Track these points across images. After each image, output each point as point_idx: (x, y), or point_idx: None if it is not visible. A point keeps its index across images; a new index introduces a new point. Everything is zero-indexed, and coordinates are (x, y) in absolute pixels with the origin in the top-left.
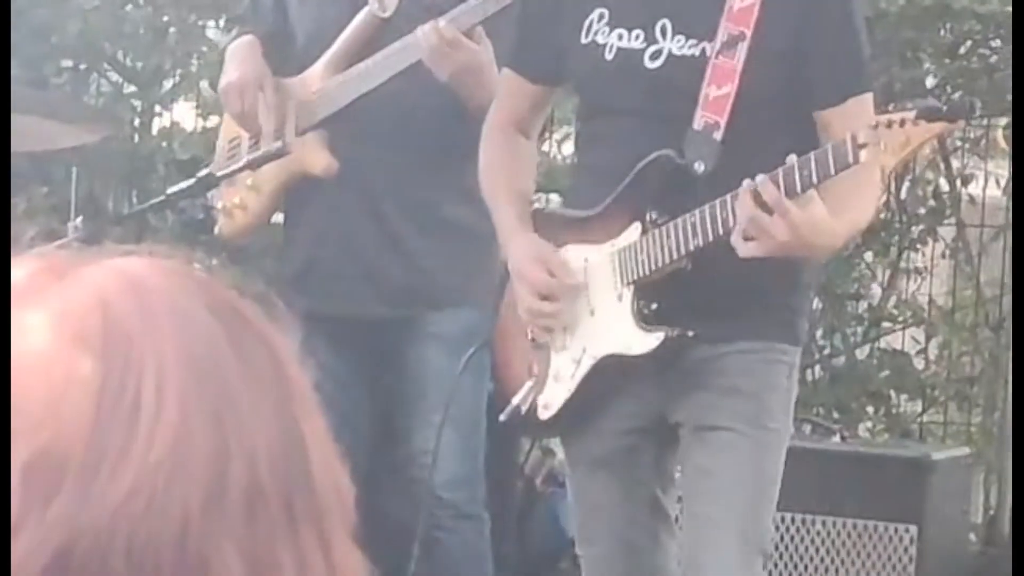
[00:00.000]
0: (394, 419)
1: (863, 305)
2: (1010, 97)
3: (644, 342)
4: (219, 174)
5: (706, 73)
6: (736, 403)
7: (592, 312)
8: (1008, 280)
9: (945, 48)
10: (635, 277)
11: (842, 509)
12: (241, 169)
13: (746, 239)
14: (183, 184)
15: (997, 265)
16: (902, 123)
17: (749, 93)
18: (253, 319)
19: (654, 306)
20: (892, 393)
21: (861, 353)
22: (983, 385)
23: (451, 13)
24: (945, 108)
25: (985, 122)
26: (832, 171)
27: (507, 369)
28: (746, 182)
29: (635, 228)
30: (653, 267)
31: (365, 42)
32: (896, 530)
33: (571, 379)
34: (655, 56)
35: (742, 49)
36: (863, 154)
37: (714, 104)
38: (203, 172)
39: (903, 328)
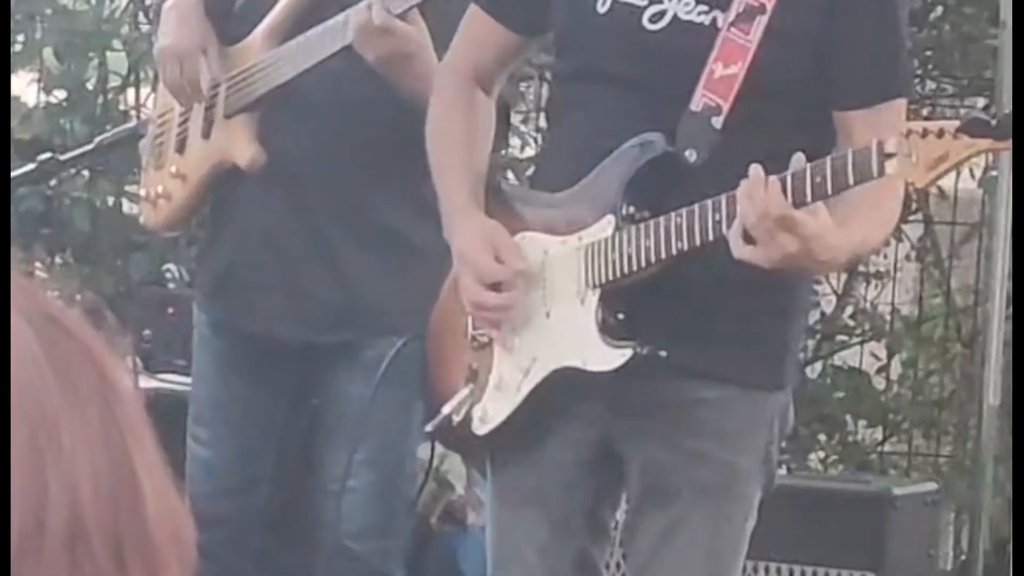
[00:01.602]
0: (309, 451)
1: (814, 315)
2: (988, 74)
3: (606, 358)
4: (63, 157)
5: (714, 47)
6: (702, 473)
7: (548, 315)
8: (984, 287)
9: (913, 16)
10: (603, 280)
11: (787, 553)
12: (90, 152)
13: (747, 241)
14: (22, 169)
15: (971, 269)
16: (940, 134)
17: (761, 77)
18: (77, 332)
19: (620, 316)
20: (848, 418)
21: (812, 371)
22: (954, 409)
23: None
24: (995, 124)
25: (959, 101)
26: (850, 182)
27: (441, 370)
28: (754, 171)
29: (608, 221)
30: (625, 270)
31: (308, 9)
32: None
33: (516, 391)
34: (657, 17)
35: (759, 24)
36: (890, 166)
37: (718, 84)
38: (46, 156)
39: (861, 342)
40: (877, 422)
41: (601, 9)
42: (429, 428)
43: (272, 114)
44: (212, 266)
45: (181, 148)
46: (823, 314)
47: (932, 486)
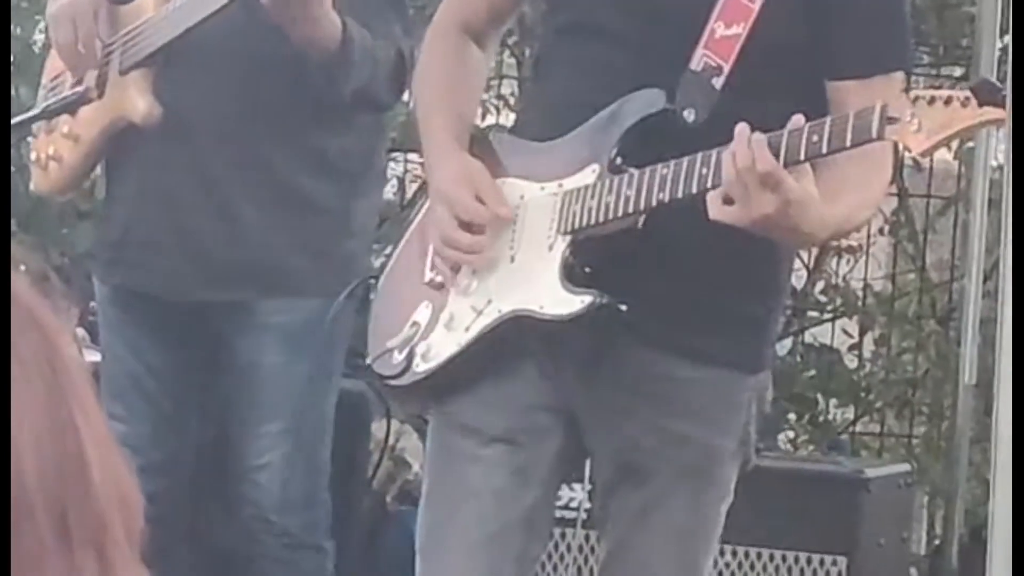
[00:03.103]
0: (225, 424)
1: None
2: (965, 42)
3: (564, 303)
4: (12, 121)
5: (713, 4)
6: (682, 455)
7: (512, 259)
8: (959, 263)
9: None
10: (576, 225)
11: (755, 537)
12: (36, 118)
13: (724, 201)
14: None
15: (946, 244)
16: (948, 101)
17: (762, 40)
18: (22, 296)
19: (587, 269)
20: (819, 397)
21: (781, 348)
22: (928, 389)
23: None
24: (1006, 91)
25: (935, 71)
26: (847, 142)
27: (392, 313)
28: (740, 128)
29: (592, 170)
30: (600, 218)
31: None
32: (822, 562)
33: (465, 331)
34: None
35: None
36: (891, 130)
37: (720, 44)
38: None
39: (832, 319)
40: (849, 401)
41: None
42: (370, 361)
43: (170, 69)
44: (108, 231)
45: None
46: (793, 289)
47: (905, 467)
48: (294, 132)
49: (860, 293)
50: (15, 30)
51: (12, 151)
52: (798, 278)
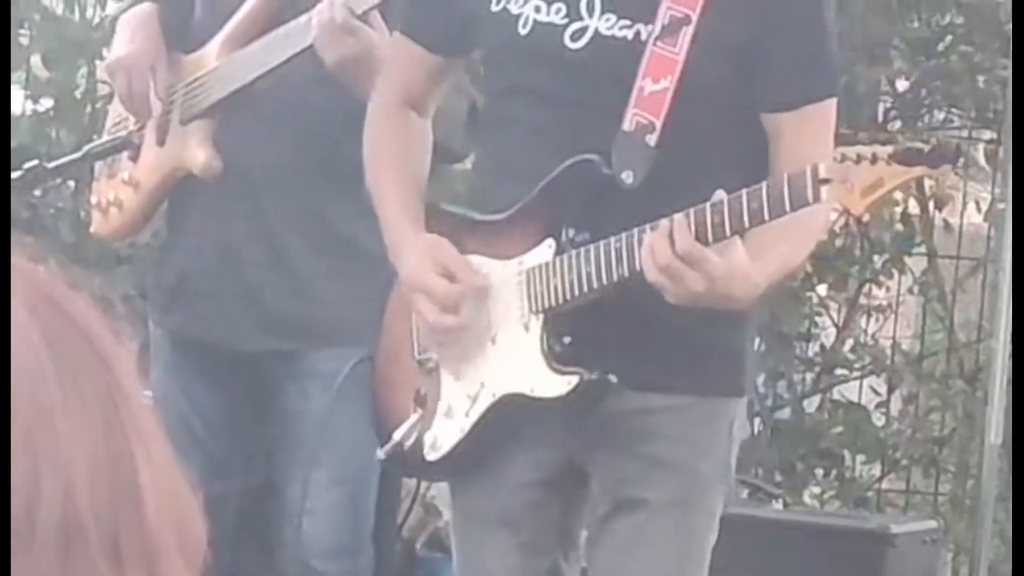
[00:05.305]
0: (271, 469)
1: (814, 347)
2: (995, 106)
3: (553, 385)
4: (51, 165)
5: (639, 61)
6: (663, 478)
7: (493, 340)
8: (987, 323)
9: (920, 44)
10: (545, 305)
11: None
12: (79, 161)
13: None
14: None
15: (975, 304)
16: (874, 159)
17: (692, 90)
18: (81, 320)
19: (566, 340)
20: (846, 453)
21: (810, 405)
22: (954, 447)
23: None
24: (928, 150)
25: (966, 134)
26: (787, 208)
27: (390, 393)
28: (663, 224)
29: (548, 246)
30: (567, 296)
31: (267, 17)
32: None
33: (465, 417)
34: (578, 35)
35: (685, 36)
36: (825, 192)
37: (649, 101)
38: (31, 163)
39: (861, 376)
40: (875, 458)
41: (523, 31)
42: (381, 455)
43: (230, 121)
44: (166, 277)
45: (135, 156)
46: (823, 347)
47: (931, 524)
48: (352, 183)
49: (889, 352)
50: (58, 75)
51: (51, 193)
52: (827, 336)
